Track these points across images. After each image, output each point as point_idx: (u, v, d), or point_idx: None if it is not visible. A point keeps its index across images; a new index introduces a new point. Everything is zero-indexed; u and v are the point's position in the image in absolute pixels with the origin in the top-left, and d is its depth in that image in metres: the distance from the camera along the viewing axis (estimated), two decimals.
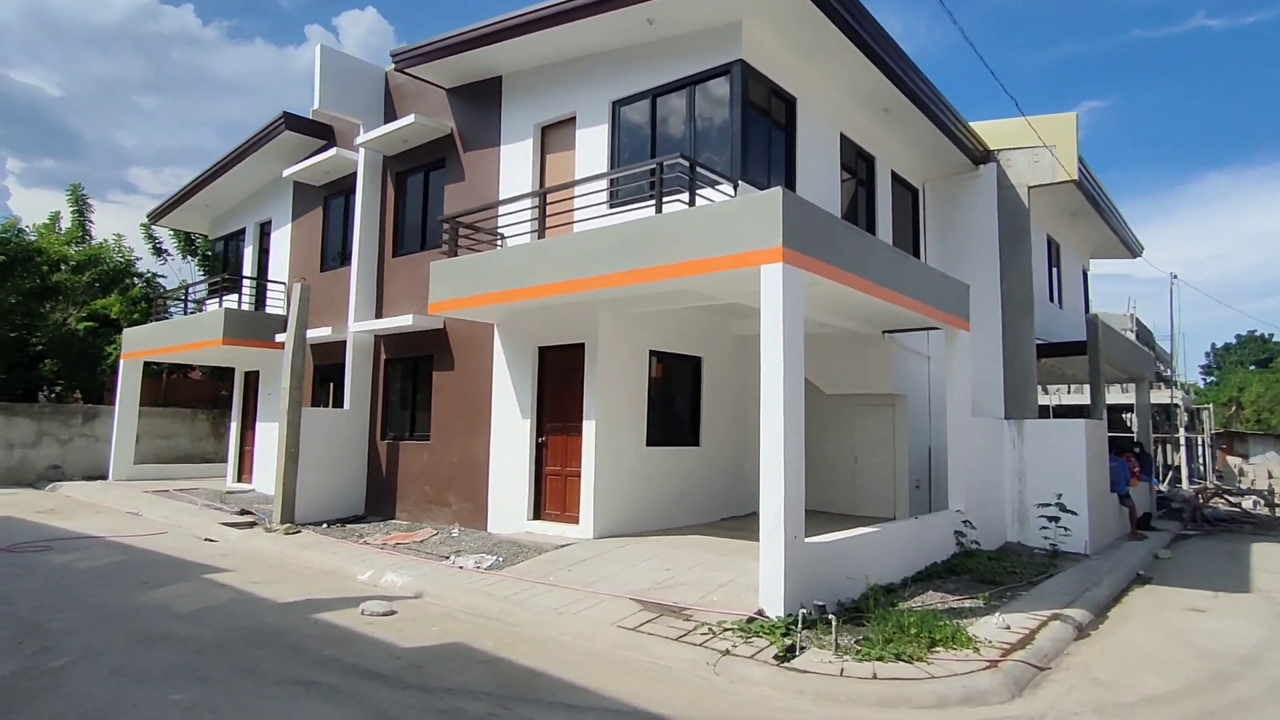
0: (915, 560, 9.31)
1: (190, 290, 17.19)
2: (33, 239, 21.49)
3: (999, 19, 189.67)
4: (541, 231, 10.04)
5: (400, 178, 13.57)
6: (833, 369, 12.81)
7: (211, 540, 10.99)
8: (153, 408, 20.17)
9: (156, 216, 18.56)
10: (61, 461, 18.43)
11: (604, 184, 9.84)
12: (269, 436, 15.72)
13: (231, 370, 23.04)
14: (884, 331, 12.17)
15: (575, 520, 10.22)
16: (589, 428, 10.06)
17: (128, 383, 18.01)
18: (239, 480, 16.88)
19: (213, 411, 21.39)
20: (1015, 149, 13.64)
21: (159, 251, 25.32)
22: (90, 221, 23.73)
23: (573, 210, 9.73)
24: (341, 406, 13.31)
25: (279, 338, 14.85)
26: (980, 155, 13.57)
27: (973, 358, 12.69)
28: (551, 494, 10.68)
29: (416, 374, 12.80)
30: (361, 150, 13.51)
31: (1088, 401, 14.94)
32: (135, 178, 57.26)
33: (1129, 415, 27.07)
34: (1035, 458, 12.23)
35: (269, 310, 15.84)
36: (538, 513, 10.76)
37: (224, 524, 11.67)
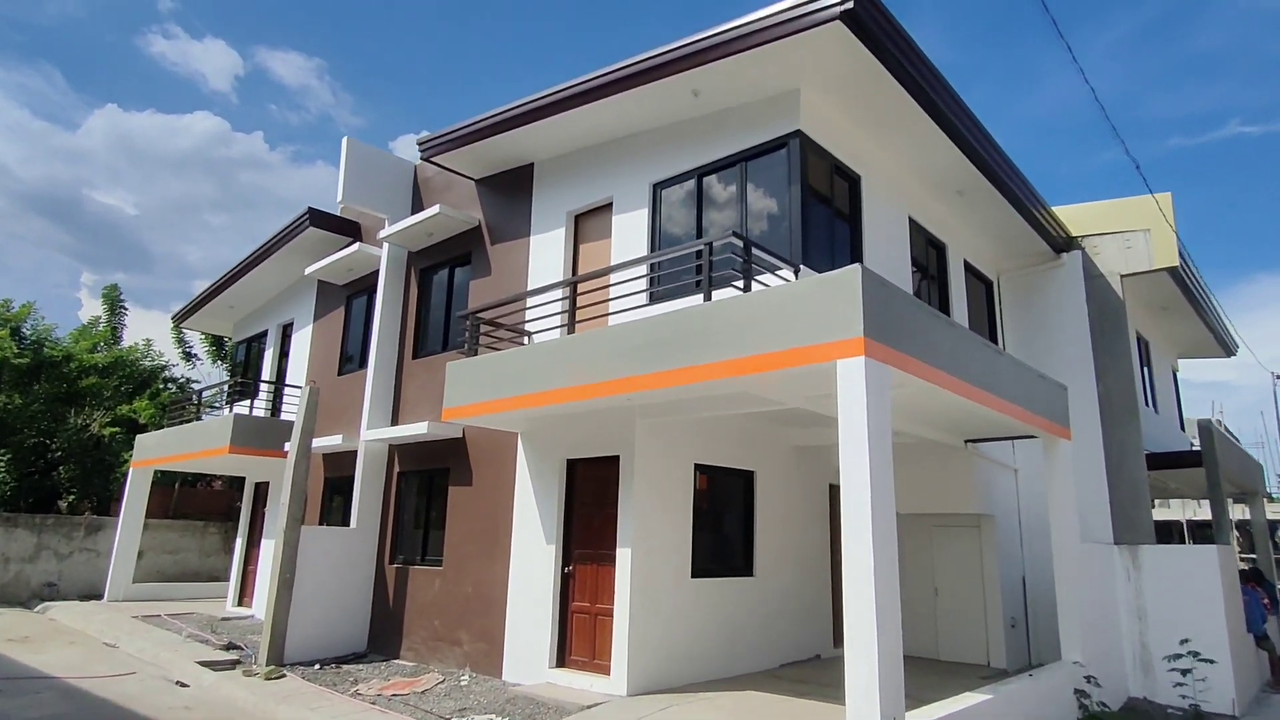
0: None
1: (202, 395, 16.26)
2: (62, 340, 21.08)
3: (1035, 128, 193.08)
4: (571, 327, 8.79)
5: (424, 274, 12.63)
6: (908, 484, 11.04)
7: (183, 684, 9.39)
8: (161, 520, 18.98)
9: (181, 318, 17.98)
10: (58, 578, 17.14)
11: (643, 271, 8.63)
12: (270, 556, 14.28)
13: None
14: (966, 441, 10.49)
15: (605, 670, 8.44)
16: (623, 556, 8.45)
17: (135, 492, 16.89)
18: (239, 604, 15.34)
19: (225, 524, 20.10)
20: (1102, 234, 12.25)
21: (188, 356, 24.92)
22: (123, 325, 23.46)
23: (608, 302, 8.49)
24: (348, 524, 11.88)
25: (288, 446, 13.62)
26: (1063, 242, 12.19)
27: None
28: (579, 636, 8.95)
29: (431, 489, 11.38)
30: (385, 245, 12.66)
31: (1178, 518, 12.85)
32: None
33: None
34: (1157, 592, 10.21)
35: (285, 417, 14.75)
36: (561, 658, 9.00)
37: (202, 663, 10.08)
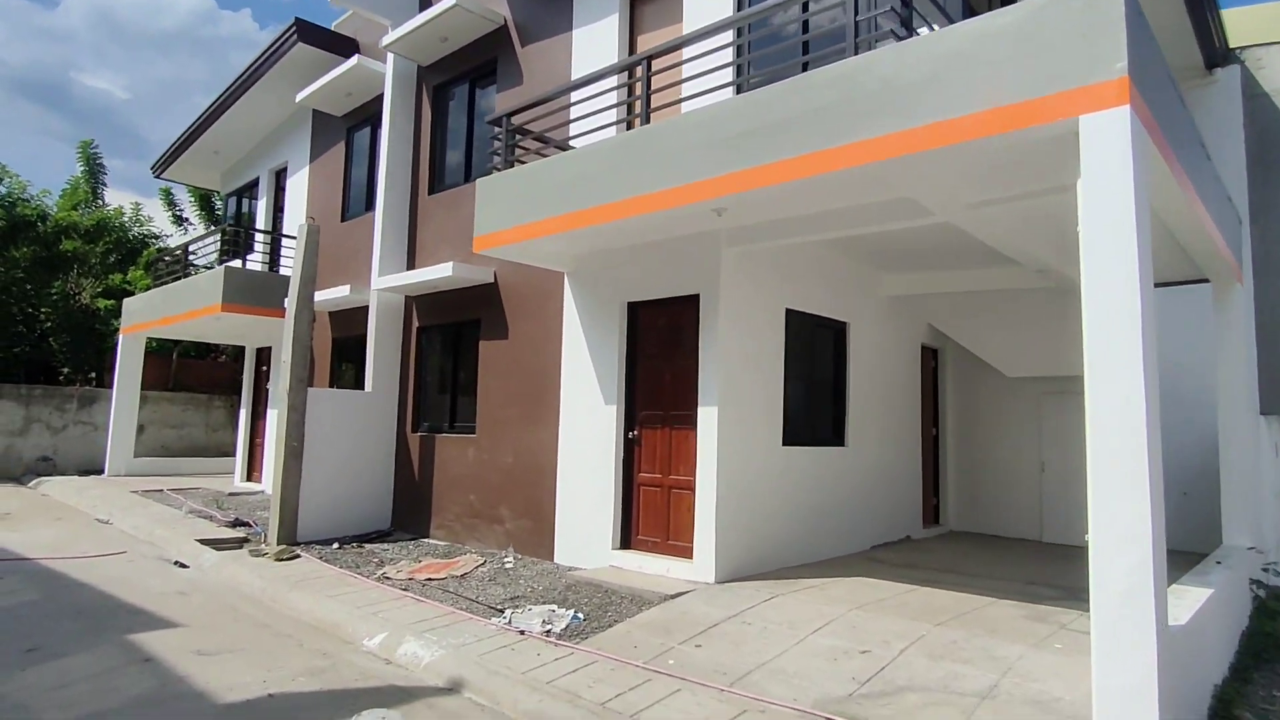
0: (1234, 632, 5.96)
1: (189, 249, 14.38)
2: (39, 203, 19.03)
3: None
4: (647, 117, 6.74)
5: (439, 93, 10.47)
6: (1023, 342, 9.32)
7: (182, 565, 8.04)
8: (162, 392, 17.55)
9: (161, 167, 15.85)
10: (54, 453, 15.88)
11: (729, 56, 6.53)
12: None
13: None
14: None
15: (686, 553, 6.98)
16: (708, 417, 6.81)
17: (127, 360, 15.35)
18: (248, 479, 14.06)
19: (231, 398, 18.68)
20: (1270, 44, 9.96)
21: (179, 220, 22.90)
22: (103, 185, 21.31)
23: (681, 88, 6.47)
24: (362, 388, 10.29)
25: (288, 301, 11.87)
26: (1220, 54, 9.90)
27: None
28: (648, 513, 7.44)
29: (459, 345, 9.69)
30: (390, 57, 10.44)
31: None
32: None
33: None
34: None
35: (284, 271, 12.94)
36: (626, 540, 7.54)
37: (203, 541, 8.72)
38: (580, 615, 6.02)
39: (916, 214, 5.76)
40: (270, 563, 7.77)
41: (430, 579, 7.30)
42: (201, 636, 5.58)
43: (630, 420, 7.62)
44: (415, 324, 10.16)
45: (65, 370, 18.83)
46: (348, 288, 10.36)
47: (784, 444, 7.52)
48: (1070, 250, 4.29)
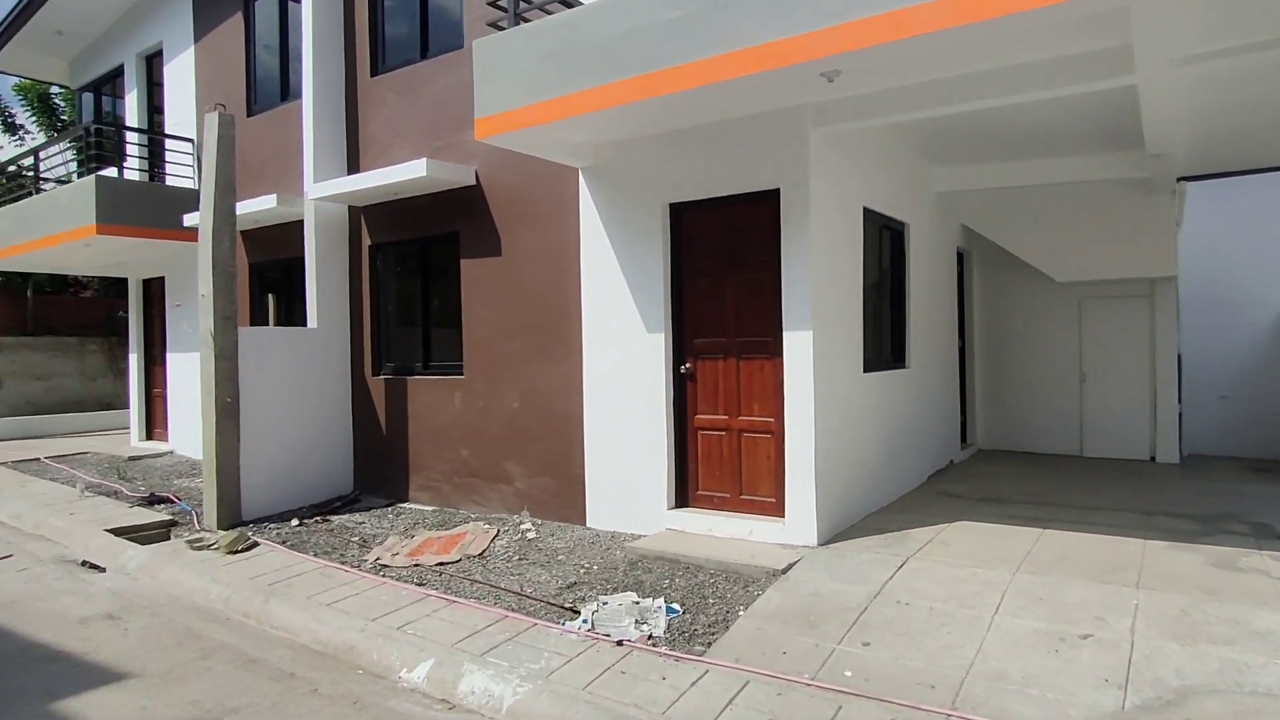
0: None
1: (38, 156, 11.45)
2: None
3: None
4: None
5: None
6: (1078, 242, 8.35)
7: (95, 567, 6.12)
8: (19, 337, 14.55)
9: None
10: None
11: None
12: (185, 373, 10.58)
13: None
14: (1180, 179, 7.74)
15: (769, 510, 5.71)
16: (798, 344, 5.44)
17: None
18: (148, 437, 11.73)
19: (109, 340, 15.80)
20: None
21: (11, 128, 18.94)
22: None
23: None
24: (304, 325, 8.29)
25: (189, 220, 9.49)
26: None
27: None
28: (710, 464, 6.08)
29: (429, 266, 7.83)
30: None
31: None
32: None
33: None
34: None
35: (170, 182, 10.41)
36: (683, 497, 6.18)
37: (115, 531, 6.75)
38: (676, 607, 4.67)
39: (1106, 72, 4.42)
40: (221, 556, 5.96)
41: (442, 563, 5.74)
42: (164, 692, 3.89)
43: (680, 351, 6.15)
44: (365, 242, 8.16)
45: None
46: (273, 198, 8.17)
47: (864, 370, 6.28)
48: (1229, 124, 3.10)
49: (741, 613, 4.52)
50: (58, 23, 11.64)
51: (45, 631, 4.71)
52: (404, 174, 6.96)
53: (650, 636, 4.28)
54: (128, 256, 11.17)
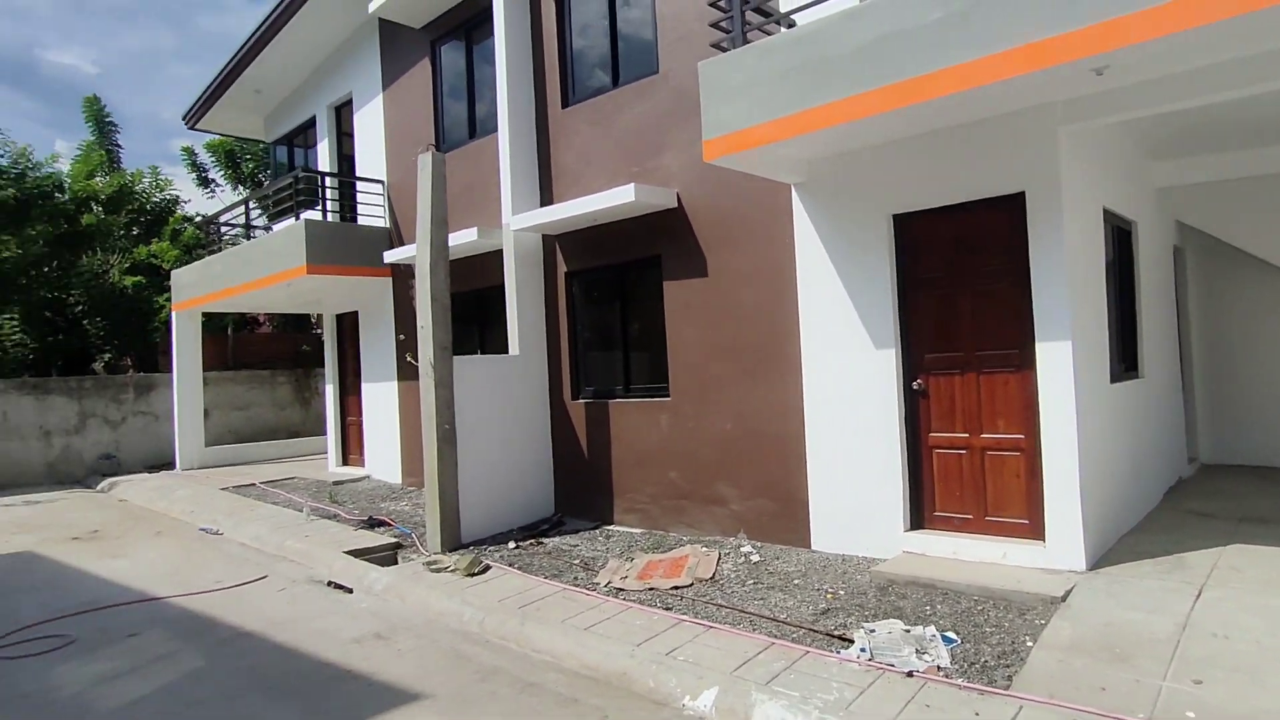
0: None
1: (249, 206, 12.46)
2: (51, 171, 17.01)
3: None
4: None
5: None
6: None
7: (342, 588, 6.46)
8: (221, 372, 15.89)
9: (194, 117, 13.78)
10: (116, 449, 14.32)
11: None
12: (379, 403, 11.19)
13: (306, 319, 18.79)
14: None
15: (1019, 532, 5.35)
16: (1054, 356, 5.08)
17: (184, 340, 13.66)
18: (344, 463, 12.46)
19: (295, 372, 17.04)
20: None
21: (205, 182, 20.91)
22: (118, 147, 19.27)
23: None
24: (498, 352, 8.56)
25: (389, 256, 10.09)
26: None
27: None
28: (947, 484, 5.76)
29: (628, 290, 7.91)
30: None
31: None
32: (176, 149, 53.81)
33: None
34: None
35: (363, 221, 11.09)
36: (918, 519, 5.88)
37: (352, 552, 7.14)
38: (953, 636, 4.40)
39: None
40: (459, 579, 6.16)
41: (676, 586, 5.69)
42: (462, 715, 3.98)
43: (911, 367, 5.88)
44: (561, 269, 8.35)
45: (107, 357, 17.17)
46: (474, 231, 8.51)
47: (1110, 381, 5.81)
48: None
49: (1030, 643, 4.20)
50: (257, 83, 12.71)
51: (328, 651, 4.96)
52: (611, 200, 7.06)
53: (938, 668, 4.04)
54: (323, 294, 11.95)
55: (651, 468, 7.48)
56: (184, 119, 14.01)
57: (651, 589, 5.68)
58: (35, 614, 5.93)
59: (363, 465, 11.73)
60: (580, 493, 8.17)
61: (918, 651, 4.20)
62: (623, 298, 7.94)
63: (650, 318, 7.62)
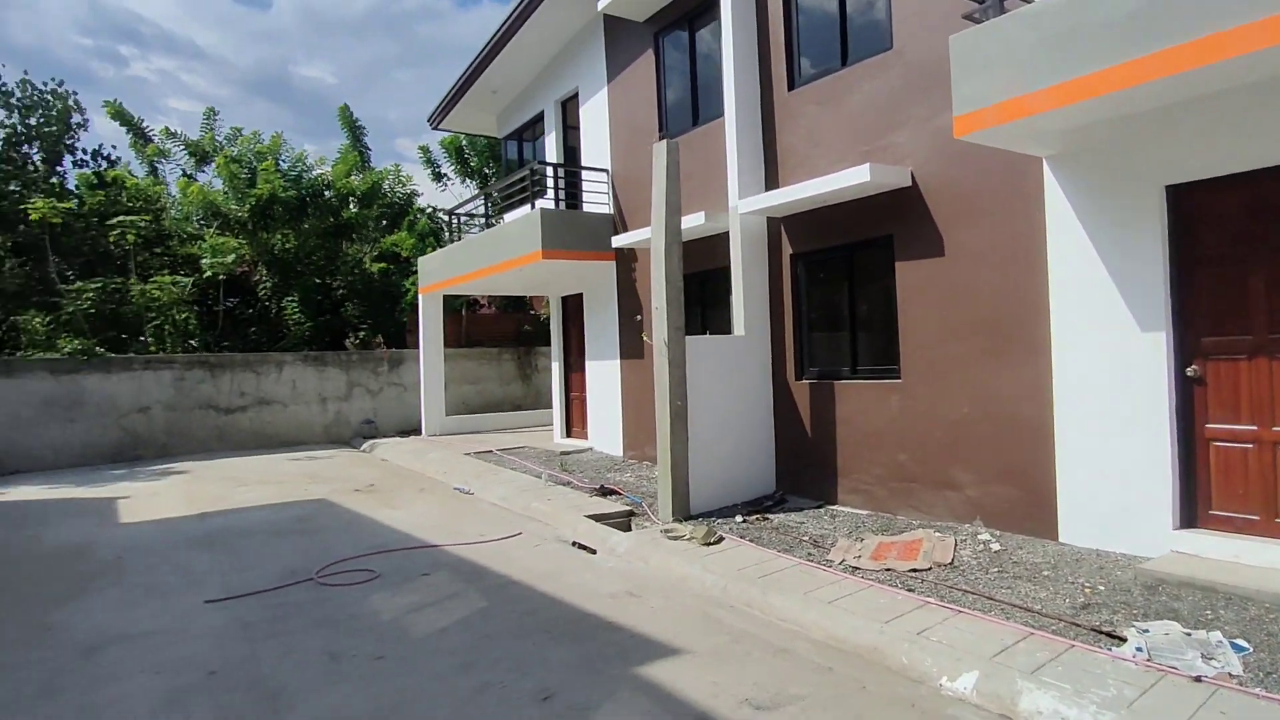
0: None
1: (490, 197, 13.67)
2: (320, 171, 19.60)
3: None
4: None
5: None
6: None
7: (585, 548, 7.06)
8: (456, 349, 17.59)
9: (438, 118, 15.31)
10: (374, 415, 16.38)
11: None
12: (602, 380, 11.91)
13: (523, 301, 20.25)
14: None
15: None
16: None
17: (429, 321, 15.28)
18: (567, 435, 13.41)
19: (518, 349, 18.50)
20: None
21: (438, 177, 23.04)
22: (368, 148, 21.75)
23: None
24: (721, 333, 8.84)
25: (617, 241, 10.71)
26: None
27: None
28: (1229, 481, 5.26)
29: (854, 271, 7.87)
30: None
31: None
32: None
33: None
34: None
35: (588, 208, 11.80)
36: (1191, 517, 5.43)
37: (592, 516, 7.76)
38: (1243, 643, 4.07)
39: None
40: (696, 548, 6.52)
41: (915, 569, 5.67)
42: (721, 670, 4.28)
43: (1186, 352, 5.41)
44: (786, 251, 8.46)
45: (361, 335, 19.58)
46: (702, 215, 8.83)
47: None
48: None
49: None
50: (494, 83, 13.84)
51: (588, 603, 5.49)
52: (843, 181, 7.06)
53: (1230, 675, 3.77)
54: (551, 278, 12.88)
55: (878, 450, 7.44)
56: (429, 120, 15.57)
57: (888, 570, 5.71)
58: (344, 551, 7.04)
59: (585, 438, 12.57)
60: (802, 471, 8.28)
61: (1204, 656, 3.95)
62: (850, 278, 7.91)
63: (879, 298, 7.55)
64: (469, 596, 5.73)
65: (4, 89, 16.64)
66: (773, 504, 8.06)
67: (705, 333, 9.69)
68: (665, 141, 7.76)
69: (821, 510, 7.74)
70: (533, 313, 20.20)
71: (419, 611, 5.42)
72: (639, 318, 10.34)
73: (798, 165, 8.22)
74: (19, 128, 16.94)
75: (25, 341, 14.32)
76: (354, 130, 21.96)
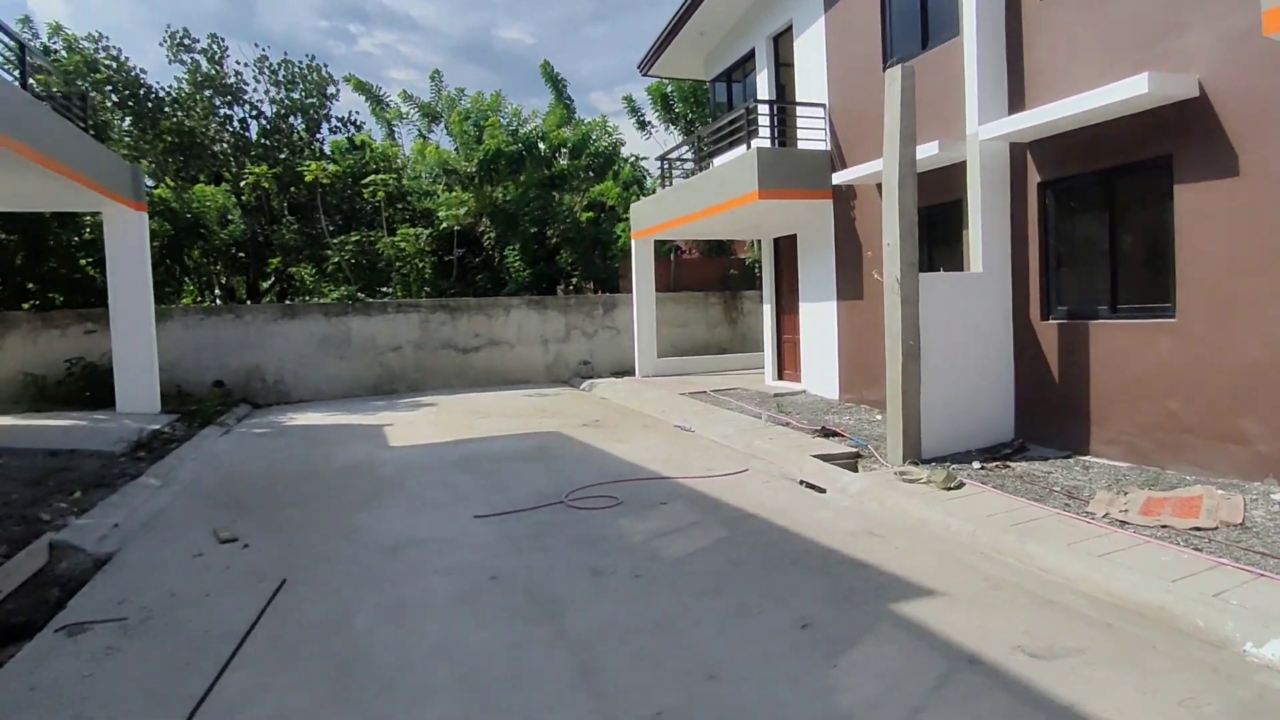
0: None
1: (700, 142, 13.68)
2: (534, 124, 20.59)
3: None
4: None
5: None
6: None
7: (813, 487, 7.09)
8: (663, 293, 18.00)
9: (647, 64, 15.47)
10: (590, 356, 17.28)
11: None
12: (817, 321, 11.71)
13: (725, 246, 20.23)
14: None
15: None
16: None
17: (641, 265, 15.74)
18: (779, 378, 13.39)
19: (724, 294, 18.62)
20: None
21: (643, 125, 23.35)
22: (571, 101, 22.47)
23: None
24: (952, 270, 8.33)
25: (838, 178, 10.38)
26: None
27: None
28: None
29: (1116, 199, 7.09)
30: None
31: None
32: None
33: None
34: None
35: (803, 145, 11.47)
36: None
37: (818, 456, 7.75)
38: None
39: None
40: (936, 491, 6.33)
41: (1197, 528, 5.14)
42: (982, 615, 4.16)
43: None
44: (1032, 179, 7.77)
45: (573, 281, 20.57)
46: (936, 145, 8.31)
47: None
48: None
49: None
50: (701, 26, 13.71)
51: (828, 540, 5.53)
52: (1115, 95, 6.31)
53: None
54: (763, 219, 12.74)
55: (1143, 397, 6.75)
56: (638, 66, 15.81)
57: (1165, 527, 5.22)
58: (583, 479, 7.57)
59: (798, 380, 12.48)
60: (1046, 418, 7.72)
61: None
62: (1110, 207, 7.12)
63: (1148, 229, 6.75)
64: (709, 526, 5.97)
65: (271, 68, 18.93)
66: (1012, 452, 7.61)
67: (931, 269, 9.19)
68: (900, 66, 7.34)
69: (1070, 460, 7.20)
70: (736, 257, 20.17)
71: (665, 537, 5.74)
72: (869, 254, 9.96)
73: (1049, 84, 7.45)
74: (285, 101, 19.25)
75: (298, 289, 16.54)
76: (557, 85, 22.72)
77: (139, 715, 3.46)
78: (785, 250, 13.03)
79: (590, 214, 20.09)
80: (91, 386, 12.52)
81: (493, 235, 19.40)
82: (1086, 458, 7.23)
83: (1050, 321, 7.66)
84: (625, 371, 16.65)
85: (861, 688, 3.46)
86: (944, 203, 8.87)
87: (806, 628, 4.09)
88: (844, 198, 10.99)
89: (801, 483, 7.30)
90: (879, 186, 9.81)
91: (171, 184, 17.18)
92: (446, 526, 6.22)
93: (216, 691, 3.64)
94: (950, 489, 6.36)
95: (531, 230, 19.60)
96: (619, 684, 3.57)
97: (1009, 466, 7.09)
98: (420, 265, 17.49)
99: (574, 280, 20.47)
